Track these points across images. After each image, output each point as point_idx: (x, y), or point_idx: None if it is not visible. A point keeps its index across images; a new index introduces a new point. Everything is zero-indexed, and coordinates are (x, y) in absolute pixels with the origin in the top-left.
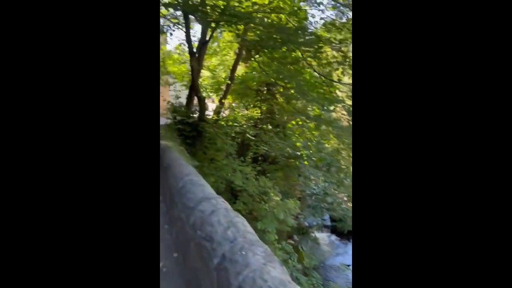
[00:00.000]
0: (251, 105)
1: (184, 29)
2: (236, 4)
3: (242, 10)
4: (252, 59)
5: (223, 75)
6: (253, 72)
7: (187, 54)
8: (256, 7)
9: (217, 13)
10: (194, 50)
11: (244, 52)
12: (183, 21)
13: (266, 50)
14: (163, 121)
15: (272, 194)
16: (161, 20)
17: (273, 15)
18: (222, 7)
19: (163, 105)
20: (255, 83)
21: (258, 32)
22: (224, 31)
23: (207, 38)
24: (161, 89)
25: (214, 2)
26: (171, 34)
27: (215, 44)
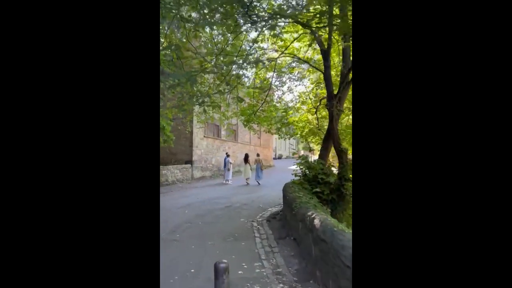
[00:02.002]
0: None
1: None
2: None
3: None
4: None
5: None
6: None
7: (310, 103)
8: None
9: None
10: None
11: None
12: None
13: None
14: (287, 176)
15: None
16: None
17: None
18: None
19: (268, 156)
20: None
21: None
22: None
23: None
24: (270, 138)
25: None
26: (303, 78)
27: None
